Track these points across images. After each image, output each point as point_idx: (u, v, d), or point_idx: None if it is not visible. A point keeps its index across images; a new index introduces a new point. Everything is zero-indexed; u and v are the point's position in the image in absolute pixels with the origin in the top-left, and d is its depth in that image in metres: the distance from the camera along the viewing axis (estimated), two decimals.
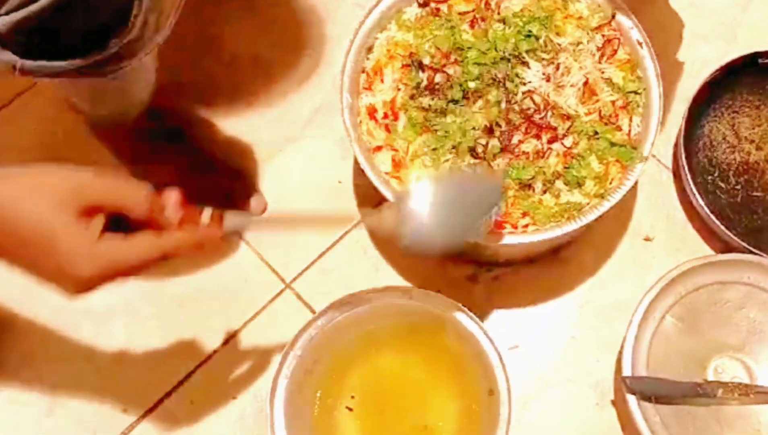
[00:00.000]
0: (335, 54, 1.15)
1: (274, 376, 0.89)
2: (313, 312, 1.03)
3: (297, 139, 1.12)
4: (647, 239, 1.08)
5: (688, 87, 1.11)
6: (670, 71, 1.12)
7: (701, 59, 1.15)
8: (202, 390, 1.00)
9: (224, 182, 1.06)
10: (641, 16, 0.98)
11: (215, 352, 1.02)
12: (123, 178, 0.65)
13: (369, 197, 1.09)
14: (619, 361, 1.00)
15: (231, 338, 1.02)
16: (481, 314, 1.03)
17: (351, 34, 0.97)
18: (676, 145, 1.11)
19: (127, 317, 1.03)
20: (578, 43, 0.98)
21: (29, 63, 0.70)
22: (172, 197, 0.67)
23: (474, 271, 1.05)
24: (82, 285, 0.64)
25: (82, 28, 0.68)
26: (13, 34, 0.67)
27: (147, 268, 0.66)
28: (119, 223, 0.65)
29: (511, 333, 1.03)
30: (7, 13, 0.66)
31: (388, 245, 1.07)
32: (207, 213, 0.68)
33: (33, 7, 0.65)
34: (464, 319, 0.92)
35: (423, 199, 0.78)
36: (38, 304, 1.03)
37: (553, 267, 1.06)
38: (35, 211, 0.61)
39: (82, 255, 0.62)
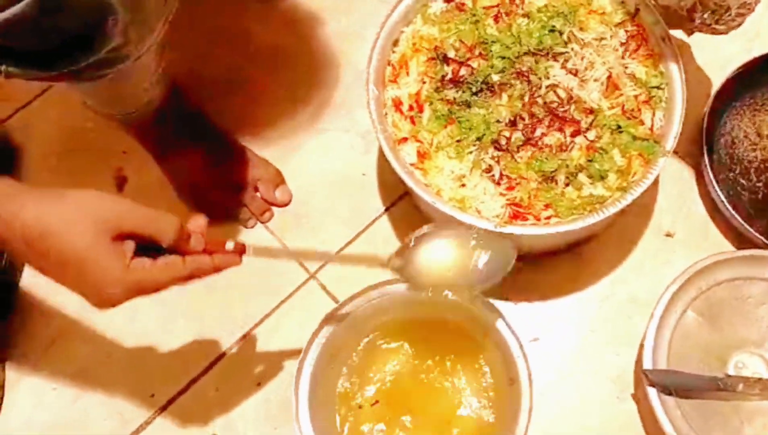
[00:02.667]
0: (358, 47, 1.16)
1: (298, 364, 0.90)
2: (337, 302, 1.04)
3: (321, 131, 1.14)
4: (668, 235, 1.09)
5: (710, 84, 1.12)
6: (693, 69, 1.13)
7: (723, 57, 1.15)
8: (227, 377, 1.02)
9: (250, 174, 1.07)
10: None
11: (241, 339, 1.03)
12: (155, 210, 0.71)
13: (392, 189, 1.10)
14: (639, 354, 1.00)
15: (256, 326, 1.04)
16: (501, 305, 1.04)
17: (374, 28, 0.99)
18: (697, 141, 1.11)
19: (155, 304, 1.03)
20: (601, 39, 0.99)
21: (13, 68, 0.71)
22: (199, 224, 0.74)
23: None
24: (108, 303, 0.70)
25: (58, 36, 0.69)
26: None
27: (168, 287, 0.72)
28: (146, 245, 0.71)
29: (531, 325, 1.04)
30: None
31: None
32: (230, 244, 0.76)
33: (7, 14, 0.64)
34: (486, 309, 0.93)
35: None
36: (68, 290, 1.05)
37: (574, 261, 1.06)
38: (77, 234, 0.66)
39: (114, 279, 0.68)
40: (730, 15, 0.95)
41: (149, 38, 0.77)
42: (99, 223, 0.67)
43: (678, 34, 1.03)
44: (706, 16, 0.95)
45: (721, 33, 1.00)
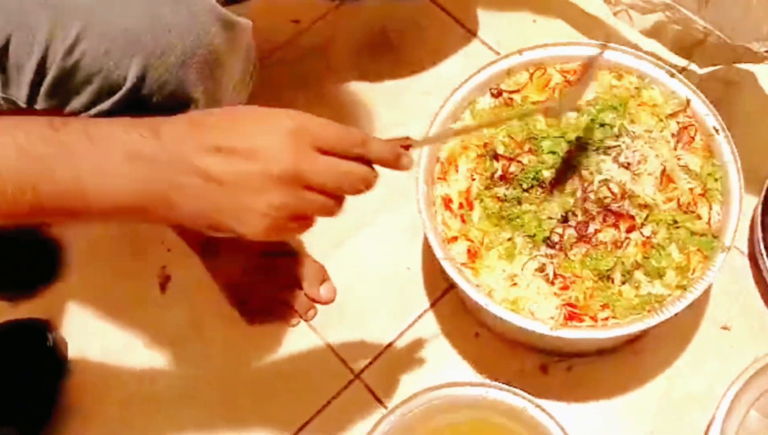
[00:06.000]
0: None
1: None
2: (381, 403, 1.01)
3: (365, 225, 1.12)
4: (725, 328, 1.05)
5: (763, 170, 1.09)
6: (745, 155, 1.10)
7: None
8: None
9: (294, 269, 1.05)
10: (726, 104, 0.97)
11: None
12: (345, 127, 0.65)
13: (437, 284, 1.07)
14: None
15: (299, 431, 1.00)
16: (554, 406, 1.00)
17: (416, 122, 0.97)
18: (751, 229, 1.08)
19: (192, 406, 1.02)
20: (653, 131, 0.97)
21: None
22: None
23: (545, 361, 1.03)
24: (286, 194, 0.62)
25: None
26: None
27: (341, 193, 0.66)
28: None
29: (586, 428, 0.99)
30: (76, 113, 0.67)
31: (456, 334, 1.05)
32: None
33: (94, 111, 0.65)
34: (540, 415, 0.89)
35: None
36: (110, 392, 1.03)
37: (628, 357, 1.03)
38: (276, 125, 0.62)
39: (306, 157, 0.62)
40: None
41: None
42: (298, 128, 0.63)
43: None
44: None
45: None
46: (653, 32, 1.12)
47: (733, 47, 1.05)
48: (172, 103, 0.67)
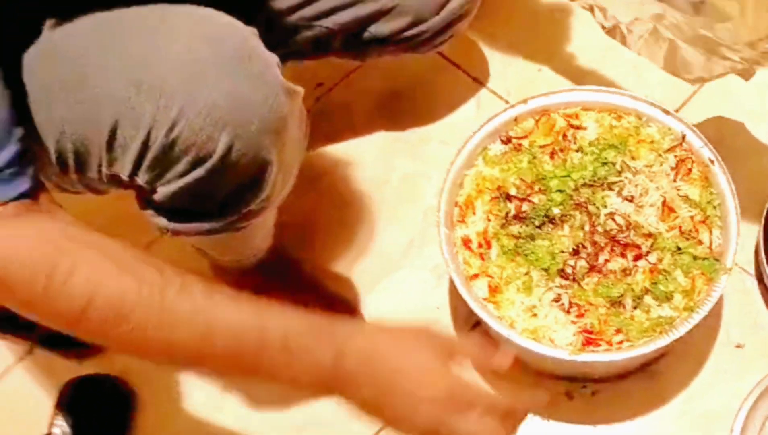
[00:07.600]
0: (425, 187, 1.23)
1: None
2: None
3: (395, 269, 1.19)
4: (738, 346, 1.10)
5: (761, 197, 1.14)
6: (745, 180, 1.16)
7: None
8: None
9: (326, 311, 1.12)
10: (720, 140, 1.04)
11: None
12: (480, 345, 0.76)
13: (466, 319, 1.13)
14: None
15: None
16: (580, 430, 1.06)
17: (437, 170, 1.04)
18: (756, 251, 1.13)
19: None
20: (653, 165, 1.04)
21: (178, 226, 0.79)
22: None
23: (570, 387, 1.08)
24: (429, 414, 0.70)
25: (225, 191, 0.77)
26: (167, 201, 0.76)
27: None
28: None
29: None
30: (166, 184, 0.75)
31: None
32: None
33: (188, 178, 0.73)
34: None
35: None
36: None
37: (647, 380, 1.08)
38: (411, 348, 0.71)
39: (443, 383, 0.71)
40: None
41: (286, 187, 0.84)
42: (433, 342, 0.71)
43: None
44: None
45: None
46: (645, 49, 1.13)
47: (721, 58, 1.06)
48: (253, 166, 0.75)
